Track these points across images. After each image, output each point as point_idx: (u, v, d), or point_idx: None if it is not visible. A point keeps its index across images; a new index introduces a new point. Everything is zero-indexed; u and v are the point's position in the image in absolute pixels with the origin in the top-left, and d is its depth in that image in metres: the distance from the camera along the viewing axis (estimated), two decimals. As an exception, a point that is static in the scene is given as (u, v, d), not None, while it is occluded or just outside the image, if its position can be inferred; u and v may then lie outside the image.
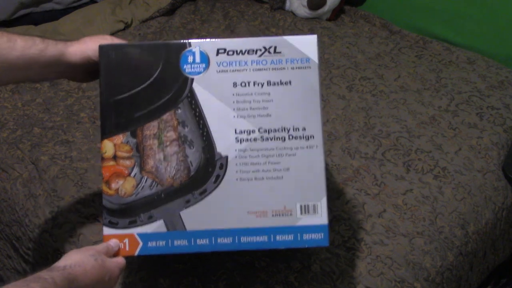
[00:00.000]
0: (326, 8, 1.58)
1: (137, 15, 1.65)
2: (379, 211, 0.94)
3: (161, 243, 0.62)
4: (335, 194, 0.97)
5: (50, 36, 1.48)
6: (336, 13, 1.65)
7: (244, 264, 0.82)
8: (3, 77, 0.64)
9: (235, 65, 0.64)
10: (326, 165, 1.04)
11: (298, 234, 0.62)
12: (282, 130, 0.64)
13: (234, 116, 0.63)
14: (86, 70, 0.68)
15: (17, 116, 1.19)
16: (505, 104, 1.21)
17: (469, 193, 1.00)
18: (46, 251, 0.92)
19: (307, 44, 0.65)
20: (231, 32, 1.56)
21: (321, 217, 0.63)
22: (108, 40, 0.66)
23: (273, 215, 0.63)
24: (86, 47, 0.65)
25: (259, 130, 0.63)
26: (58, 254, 0.89)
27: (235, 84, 0.64)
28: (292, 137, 0.64)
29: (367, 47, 1.45)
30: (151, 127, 0.64)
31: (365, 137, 1.11)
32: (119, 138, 0.63)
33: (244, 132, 0.63)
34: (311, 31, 1.55)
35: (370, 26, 1.58)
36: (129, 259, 0.83)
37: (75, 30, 1.52)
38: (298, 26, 1.58)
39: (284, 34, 1.55)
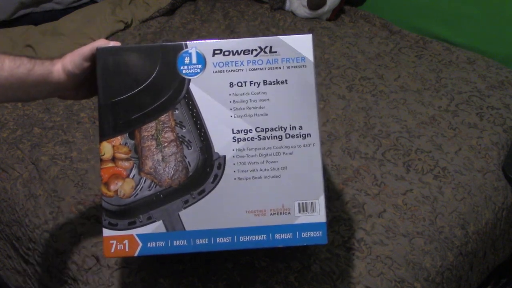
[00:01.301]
0: (326, 8, 1.58)
1: (137, 15, 1.65)
2: (379, 211, 0.94)
3: (161, 243, 0.62)
4: (335, 194, 0.97)
5: (50, 37, 1.49)
6: (336, 13, 1.65)
7: (244, 264, 0.82)
8: None
9: (231, 65, 0.64)
10: (326, 165, 1.04)
11: (297, 232, 0.62)
12: (279, 129, 0.64)
13: (231, 116, 0.63)
14: (74, 87, 0.68)
15: (17, 116, 1.19)
16: (505, 104, 1.21)
17: (469, 193, 1.00)
18: (46, 251, 0.92)
19: (302, 43, 0.65)
20: (231, 32, 1.56)
21: (319, 215, 0.63)
22: (86, 49, 0.65)
23: (271, 214, 0.63)
24: (65, 62, 0.65)
25: (256, 130, 0.63)
26: (58, 254, 0.89)
27: (231, 84, 0.64)
28: (289, 135, 0.64)
29: (367, 47, 1.45)
30: (149, 128, 0.64)
31: (365, 137, 1.11)
32: (118, 140, 0.63)
33: (241, 131, 0.63)
34: (311, 31, 1.55)
35: (370, 26, 1.58)
36: (130, 259, 0.83)
37: (75, 30, 1.52)
38: (298, 26, 1.58)
39: (283, 34, 1.55)
